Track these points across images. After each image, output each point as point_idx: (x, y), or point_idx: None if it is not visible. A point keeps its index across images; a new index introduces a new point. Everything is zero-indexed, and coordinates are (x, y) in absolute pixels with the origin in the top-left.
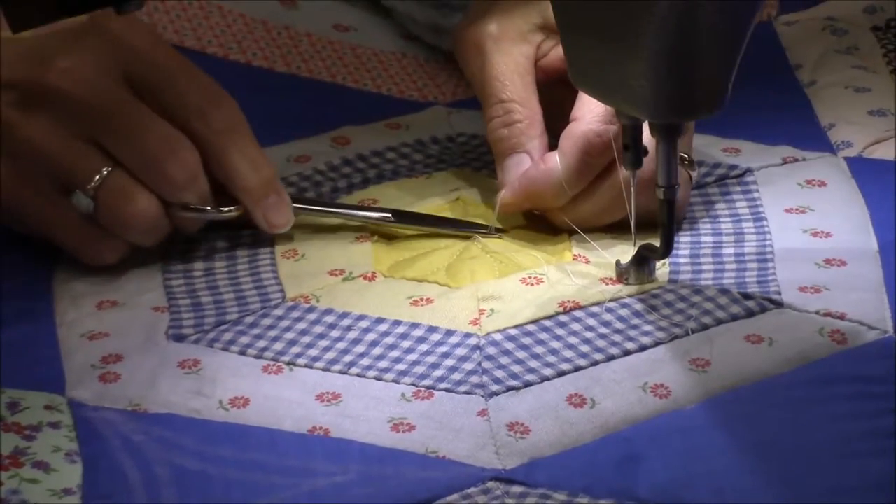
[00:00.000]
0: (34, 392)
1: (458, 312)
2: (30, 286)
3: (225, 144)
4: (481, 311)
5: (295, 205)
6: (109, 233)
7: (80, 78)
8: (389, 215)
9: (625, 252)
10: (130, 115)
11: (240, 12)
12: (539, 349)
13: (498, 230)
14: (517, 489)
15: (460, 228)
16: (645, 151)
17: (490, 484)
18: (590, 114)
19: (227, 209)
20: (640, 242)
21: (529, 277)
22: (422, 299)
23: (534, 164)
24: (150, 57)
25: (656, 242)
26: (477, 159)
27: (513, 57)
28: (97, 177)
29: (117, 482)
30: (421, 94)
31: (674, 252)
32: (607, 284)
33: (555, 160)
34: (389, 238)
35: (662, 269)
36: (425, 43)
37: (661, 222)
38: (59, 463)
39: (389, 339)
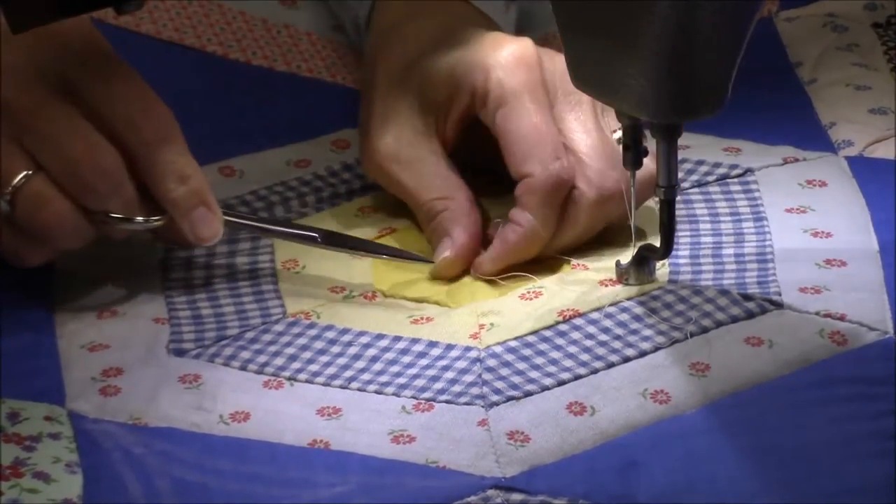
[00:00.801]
0: (34, 403)
1: (459, 328)
2: (30, 295)
3: (153, 155)
4: (481, 326)
5: (226, 217)
6: (31, 236)
7: (7, 78)
8: (316, 236)
9: (624, 253)
10: (55, 118)
11: (239, 10)
12: (539, 360)
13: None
14: (517, 497)
15: (394, 257)
16: (645, 152)
17: (490, 492)
18: (537, 164)
19: (154, 219)
20: (640, 243)
21: (528, 292)
22: (422, 318)
23: (509, 227)
24: (86, 58)
25: (656, 243)
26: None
27: (419, 164)
28: (15, 180)
29: (118, 493)
30: None
31: (674, 252)
32: (607, 286)
33: (528, 219)
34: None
35: (662, 269)
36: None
37: (661, 222)
38: (60, 474)
39: (390, 355)
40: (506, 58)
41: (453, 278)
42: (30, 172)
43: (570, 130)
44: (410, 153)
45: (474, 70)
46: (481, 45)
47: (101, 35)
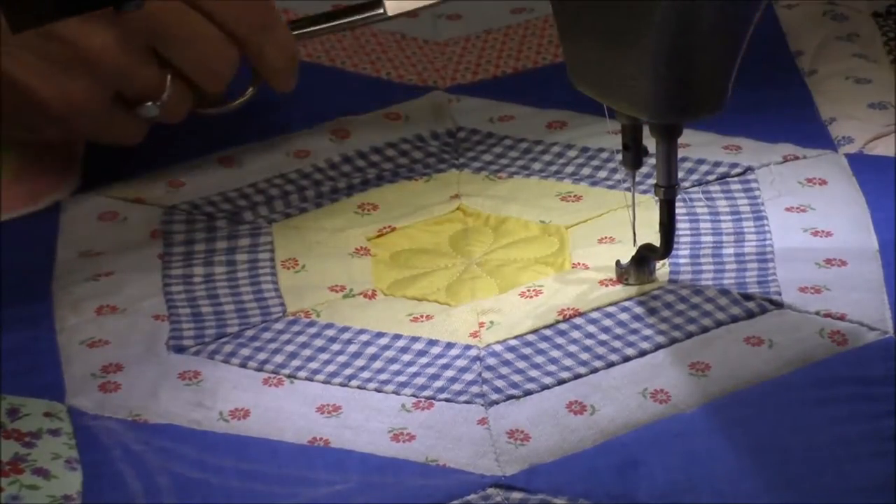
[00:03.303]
0: (34, 399)
1: (459, 326)
2: (29, 290)
3: (261, 42)
4: (481, 324)
5: (298, 32)
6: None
7: None
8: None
9: (624, 252)
10: (182, 20)
11: None
12: (539, 358)
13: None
14: (517, 495)
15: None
16: (645, 151)
17: (490, 490)
18: None
19: (242, 97)
20: (640, 242)
21: (528, 290)
22: (422, 316)
23: None
24: None
25: (656, 242)
26: (476, 159)
27: None
28: (166, 89)
29: (118, 490)
30: (420, 78)
31: (674, 252)
32: (607, 286)
33: None
34: (390, 254)
35: (662, 269)
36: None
37: (661, 222)
38: (59, 470)
39: (390, 353)
40: None
41: (453, 276)
42: (169, 76)
43: None
44: None
45: None
46: None
47: None
